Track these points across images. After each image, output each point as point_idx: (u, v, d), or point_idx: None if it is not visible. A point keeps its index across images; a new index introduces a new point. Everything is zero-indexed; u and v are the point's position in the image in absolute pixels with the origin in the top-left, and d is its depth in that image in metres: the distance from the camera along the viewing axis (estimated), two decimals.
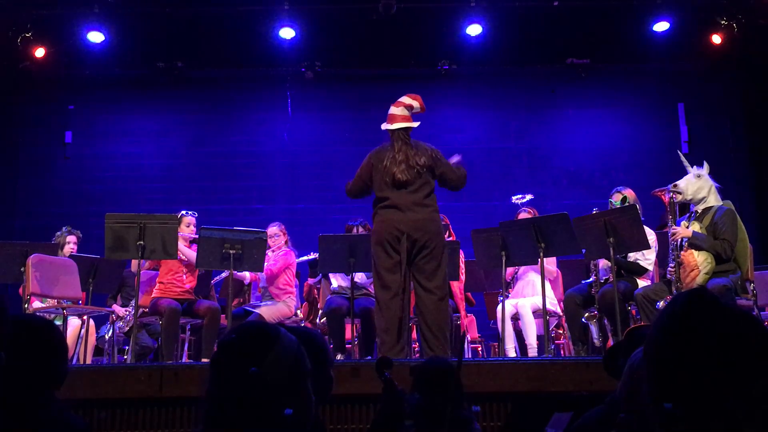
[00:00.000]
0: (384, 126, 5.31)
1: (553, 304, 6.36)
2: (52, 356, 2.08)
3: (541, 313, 5.83)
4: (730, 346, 1.37)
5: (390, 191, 5.14)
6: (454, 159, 5.44)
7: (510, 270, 6.52)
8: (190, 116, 10.03)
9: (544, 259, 5.68)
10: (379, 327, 5.12)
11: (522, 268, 6.64)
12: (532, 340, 6.35)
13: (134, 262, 6.33)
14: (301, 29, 9.24)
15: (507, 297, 6.29)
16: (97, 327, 7.00)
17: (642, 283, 5.84)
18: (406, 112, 5.28)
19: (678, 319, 1.42)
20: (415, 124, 5.31)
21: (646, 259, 5.89)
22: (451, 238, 6.51)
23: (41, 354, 2.04)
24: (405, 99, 5.32)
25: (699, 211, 5.44)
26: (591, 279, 6.00)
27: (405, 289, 5.09)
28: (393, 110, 5.30)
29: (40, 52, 9.26)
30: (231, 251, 5.80)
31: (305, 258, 7.36)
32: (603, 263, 5.96)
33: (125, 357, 6.74)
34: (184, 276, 6.48)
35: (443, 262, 5.16)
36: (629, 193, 6.03)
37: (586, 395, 4.18)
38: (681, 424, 1.36)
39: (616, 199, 6.00)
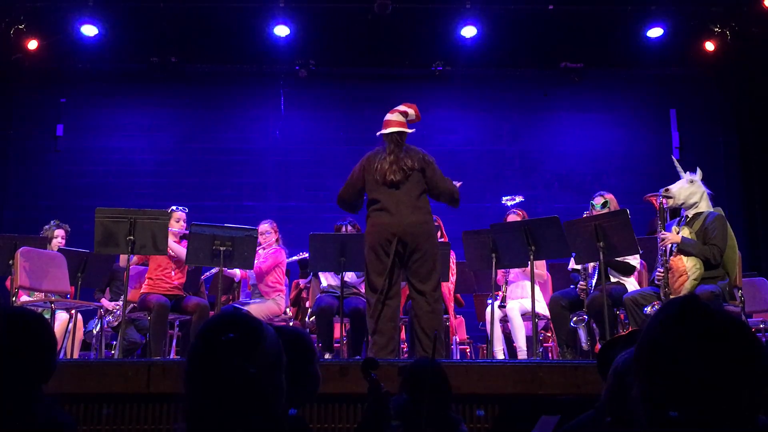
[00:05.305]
0: (379, 132, 5.37)
1: (543, 307, 6.37)
2: (42, 350, 2.07)
3: (530, 316, 5.85)
4: (721, 353, 1.38)
5: (380, 192, 5.18)
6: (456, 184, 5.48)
7: (500, 277, 6.53)
8: (183, 112, 10.00)
9: (535, 262, 5.69)
10: (370, 328, 5.15)
11: (512, 274, 6.65)
12: (521, 343, 6.36)
13: (123, 257, 6.31)
14: (296, 27, 9.23)
15: (496, 299, 6.30)
16: (85, 321, 6.98)
17: (630, 285, 5.87)
18: (401, 119, 5.35)
19: (670, 327, 1.43)
20: (410, 131, 5.36)
21: (634, 257, 5.92)
22: (443, 240, 6.52)
23: (31, 347, 2.03)
24: (401, 107, 5.43)
25: (689, 216, 5.46)
26: (580, 283, 6.01)
27: (393, 292, 5.11)
28: (388, 117, 5.38)
29: (32, 44, 9.21)
30: (221, 248, 5.79)
31: (295, 258, 7.36)
32: (591, 266, 5.99)
33: (113, 352, 6.71)
34: (173, 272, 6.46)
35: (437, 265, 5.19)
36: (611, 198, 6.10)
37: (573, 398, 4.19)
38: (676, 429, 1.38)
39: (597, 202, 6.07)
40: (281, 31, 9.20)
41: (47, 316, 5.86)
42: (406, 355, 6.24)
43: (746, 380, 1.38)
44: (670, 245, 5.34)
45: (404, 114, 5.37)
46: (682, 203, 5.48)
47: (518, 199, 6.81)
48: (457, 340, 7.19)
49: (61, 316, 6.39)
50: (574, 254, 5.93)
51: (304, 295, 7.42)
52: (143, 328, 6.89)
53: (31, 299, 6.26)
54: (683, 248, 5.28)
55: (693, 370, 1.37)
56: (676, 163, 5.70)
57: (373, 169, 5.23)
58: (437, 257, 5.22)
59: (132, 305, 6.52)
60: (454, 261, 6.62)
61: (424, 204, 5.23)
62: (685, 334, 1.41)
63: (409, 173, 5.17)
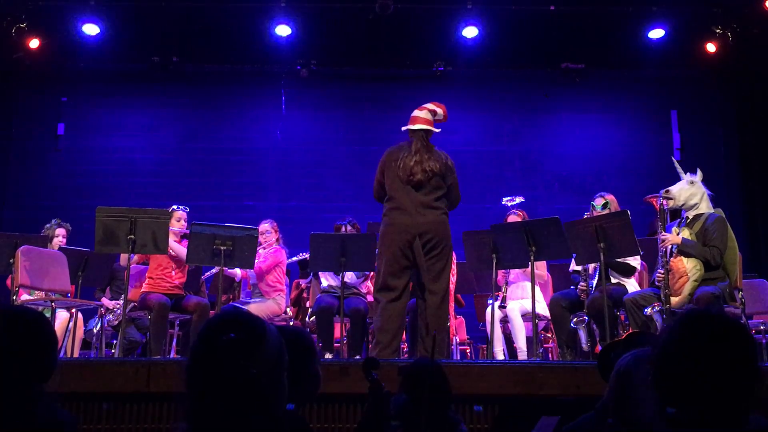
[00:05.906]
0: (405, 127, 5.34)
1: (543, 308, 6.36)
2: (43, 349, 2.07)
3: (530, 317, 5.85)
4: (720, 355, 1.40)
5: (400, 190, 5.16)
6: None
7: (501, 277, 6.53)
8: (184, 111, 10.01)
9: (535, 262, 5.69)
10: (375, 326, 5.14)
11: (513, 275, 6.65)
12: (521, 344, 6.36)
13: (123, 256, 6.31)
14: (297, 27, 9.24)
15: (496, 300, 6.30)
16: (85, 320, 6.98)
17: (630, 286, 5.87)
18: (429, 117, 5.33)
19: (675, 333, 1.45)
20: (437, 130, 5.35)
21: (634, 258, 5.92)
22: None
23: (32, 346, 2.03)
24: (430, 105, 5.39)
25: (690, 217, 5.46)
26: (581, 284, 6.01)
27: (404, 292, 5.12)
28: (416, 113, 5.35)
29: (34, 43, 9.22)
30: (222, 248, 5.79)
31: (295, 258, 7.36)
32: (592, 267, 5.99)
33: (113, 351, 6.71)
34: (173, 272, 6.46)
35: (448, 264, 5.22)
36: (611, 199, 6.10)
37: (573, 399, 4.19)
38: (684, 427, 1.40)
39: (598, 203, 6.08)
40: (282, 30, 9.20)
41: (48, 315, 5.86)
42: (406, 355, 6.24)
43: (742, 380, 1.40)
44: (670, 246, 5.34)
45: (433, 113, 5.35)
46: (683, 204, 5.48)
47: (518, 199, 6.81)
48: (458, 340, 7.19)
49: (62, 315, 6.39)
50: (574, 255, 5.93)
51: (304, 295, 7.43)
52: (143, 327, 6.89)
53: (31, 298, 6.26)
54: (683, 249, 5.28)
55: (702, 374, 1.40)
56: (677, 164, 5.69)
57: (395, 165, 5.19)
58: (450, 257, 5.25)
59: (132, 304, 6.53)
60: (455, 261, 6.61)
61: (442, 205, 5.23)
62: (688, 337, 1.43)
63: (431, 177, 5.17)
